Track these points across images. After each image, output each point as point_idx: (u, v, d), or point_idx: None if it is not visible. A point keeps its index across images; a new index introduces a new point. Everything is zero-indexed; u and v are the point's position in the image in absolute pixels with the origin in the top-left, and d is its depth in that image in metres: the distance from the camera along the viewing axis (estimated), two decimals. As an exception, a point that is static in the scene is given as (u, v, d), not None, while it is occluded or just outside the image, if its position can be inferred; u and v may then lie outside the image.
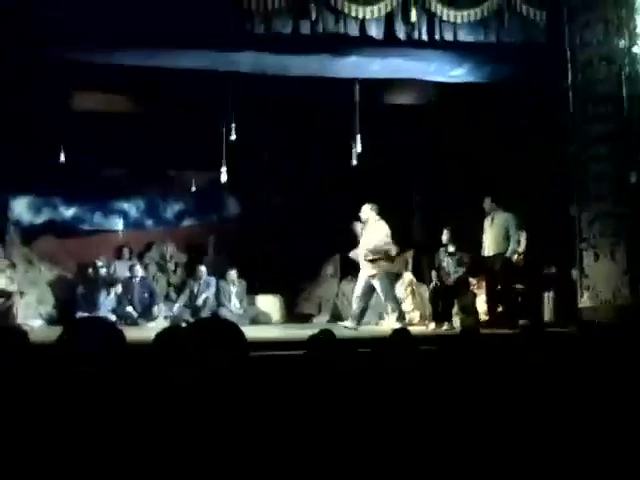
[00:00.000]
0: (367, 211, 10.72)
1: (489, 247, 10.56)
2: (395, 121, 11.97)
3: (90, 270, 12.67)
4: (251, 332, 2.95)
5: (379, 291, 10.53)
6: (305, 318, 13.11)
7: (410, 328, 9.91)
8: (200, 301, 12.29)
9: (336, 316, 13.01)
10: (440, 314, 10.77)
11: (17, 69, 9.82)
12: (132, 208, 13.95)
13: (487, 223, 10.60)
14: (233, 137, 11.22)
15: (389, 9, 9.49)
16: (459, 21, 9.62)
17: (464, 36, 9.69)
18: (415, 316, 11.64)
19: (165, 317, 12.17)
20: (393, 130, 12.12)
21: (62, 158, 11.52)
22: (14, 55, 9.36)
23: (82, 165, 12.15)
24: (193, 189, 13.47)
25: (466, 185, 11.79)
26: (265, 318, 12.69)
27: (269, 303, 13.03)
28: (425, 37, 9.64)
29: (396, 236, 11.53)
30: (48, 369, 2.86)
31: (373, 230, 10.61)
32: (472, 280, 11.06)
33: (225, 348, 2.58)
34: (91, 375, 2.72)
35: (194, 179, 13.40)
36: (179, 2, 8.97)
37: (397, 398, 2.92)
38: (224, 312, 11.96)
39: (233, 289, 12.54)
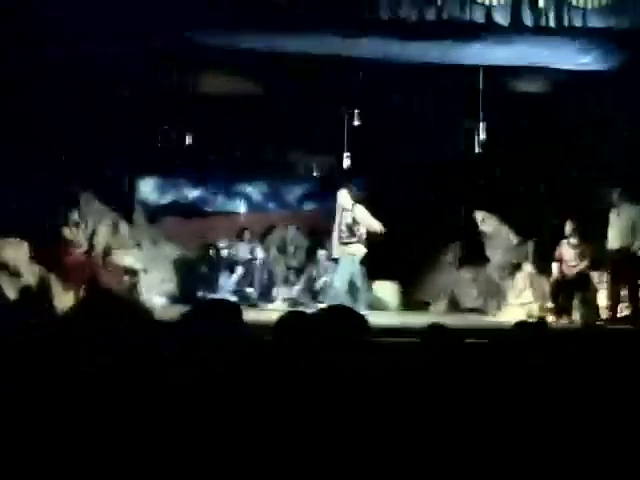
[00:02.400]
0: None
1: (614, 241, 10.27)
2: (519, 109, 11.75)
3: (212, 251, 12.92)
4: (369, 318, 2.95)
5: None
6: (422, 306, 13.04)
7: (528, 320, 9.81)
8: (318, 285, 12.39)
9: (454, 304, 12.92)
10: (560, 307, 10.57)
11: (139, 55, 10.01)
12: (254, 191, 14.14)
13: (613, 216, 10.30)
14: (356, 122, 11.26)
15: (515, -6, 9.33)
16: (589, 6, 9.36)
17: (594, 22, 9.43)
18: (534, 308, 11.45)
19: (284, 300, 12.31)
20: (517, 118, 11.91)
21: (188, 141, 11.72)
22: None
23: (206, 147, 12.36)
24: (315, 173, 13.55)
25: (592, 176, 11.50)
26: (382, 304, 12.70)
27: (387, 289, 13.01)
28: (553, 23, 9.43)
29: (519, 226, 11.39)
30: (170, 347, 2.93)
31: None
32: (594, 274, 10.80)
33: (349, 334, 2.60)
34: (210, 356, 2.78)
35: (317, 163, 13.48)
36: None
37: (520, 394, 2.88)
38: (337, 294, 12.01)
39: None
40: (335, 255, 11.26)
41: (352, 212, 11.00)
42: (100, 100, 10.95)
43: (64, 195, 11.26)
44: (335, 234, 11.06)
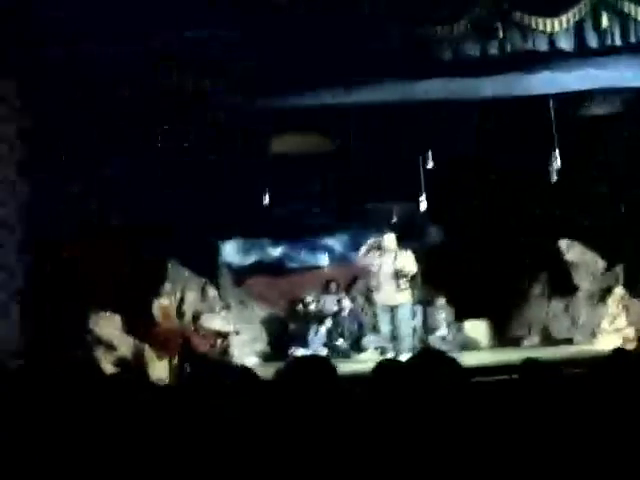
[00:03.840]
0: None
1: None
2: (593, 133, 11.61)
3: (300, 306, 13.00)
4: (462, 359, 2.94)
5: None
6: (515, 341, 12.85)
7: (625, 346, 9.58)
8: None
9: (547, 337, 12.70)
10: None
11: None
12: (336, 243, 14.21)
13: None
14: (430, 165, 11.27)
15: (578, 17, 9.25)
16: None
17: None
18: (630, 333, 11.18)
19: (375, 348, 12.27)
20: (592, 143, 11.76)
21: (266, 200, 11.86)
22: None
23: (286, 205, 12.50)
24: (394, 220, 13.57)
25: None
26: (474, 344, 12.56)
27: (477, 328, 12.88)
28: (619, 42, 9.32)
29: (607, 250, 11.19)
30: (267, 405, 2.95)
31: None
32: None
33: (442, 379, 2.59)
34: (306, 411, 2.79)
35: (394, 209, 13.49)
36: (365, 37, 9.10)
37: (616, 427, 2.82)
38: (433, 340, 11.94)
39: (441, 316, 12.50)
40: (395, 302, 11.00)
41: (399, 257, 10.87)
42: (166, 161, 11.07)
43: (152, 264, 11.46)
44: (392, 280, 10.85)
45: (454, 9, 9.33)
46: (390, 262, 10.73)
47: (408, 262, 10.72)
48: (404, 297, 10.74)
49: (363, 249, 11.13)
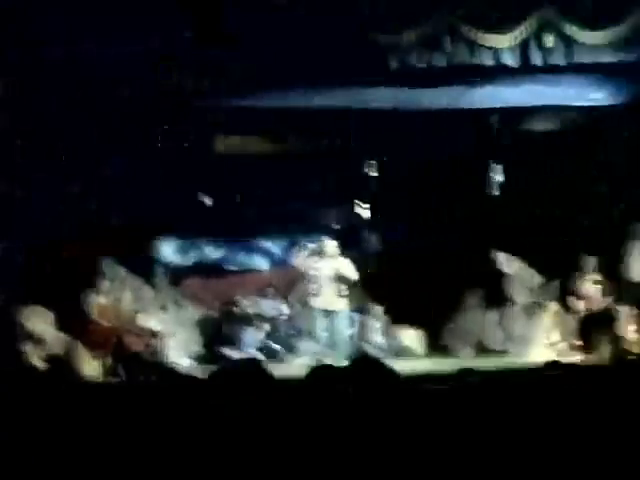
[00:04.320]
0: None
1: (638, 273, 10.20)
2: (534, 148, 11.77)
3: (236, 309, 12.91)
4: (396, 366, 2.93)
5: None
6: (450, 351, 12.94)
7: (559, 359, 9.69)
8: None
9: (481, 348, 12.81)
10: (589, 344, 10.47)
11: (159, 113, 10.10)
12: (275, 247, 14.15)
13: (636, 248, 10.24)
14: (373, 173, 11.31)
15: (524, 36, 9.39)
16: (598, 42, 9.40)
17: (604, 58, 9.47)
18: (563, 347, 11.34)
19: (311, 354, 12.24)
20: (533, 157, 11.92)
21: (207, 201, 11.79)
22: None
23: (225, 206, 12.43)
24: (334, 225, 13.57)
25: (612, 211, 11.46)
26: (409, 352, 12.61)
27: (412, 337, 12.93)
28: (562, 62, 9.48)
29: (539, 265, 11.32)
30: (200, 407, 2.93)
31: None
32: (620, 308, 10.71)
33: (378, 385, 2.59)
34: (241, 413, 2.77)
35: (334, 215, 13.50)
36: (312, 42, 9.12)
37: (549, 436, 2.85)
38: (367, 347, 11.95)
39: (376, 324, 12.53)
40: (333, 307, 11.01)
41: (339, 263, 10.90)
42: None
43: (86, 262, 11.32)
44: (332, 286, 10.87)
45: (403, 20, 9.39)
46: (330, 267, 10.75)
47: (348, 268, 10.76)
48: (342, 303, 10.77)
49: (303, 252, 11.13)
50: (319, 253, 10.93)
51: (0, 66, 9.46)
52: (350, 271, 10.74)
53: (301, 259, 11.05)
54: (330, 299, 10.69)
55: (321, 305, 10.75)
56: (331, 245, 10.88)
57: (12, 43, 9.21)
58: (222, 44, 9.05)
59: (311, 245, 11.26)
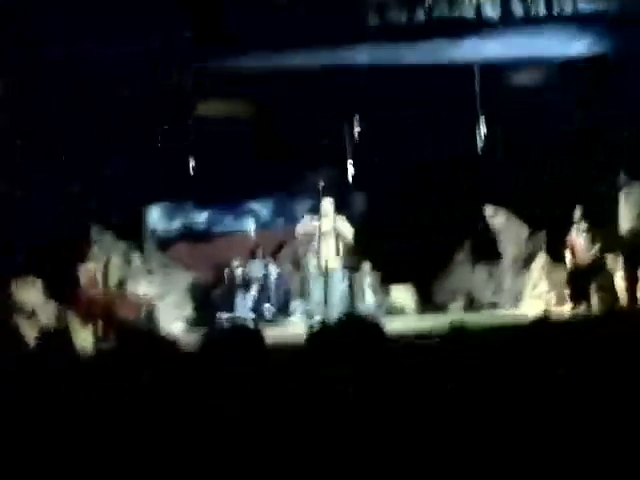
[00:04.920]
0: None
1: (626, 222, 10.23)
2: (519, 101, 11.74)
3: (226, 272, 12.92)
4: (388, 324, 2.94)
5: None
6: (440, 307, 13.01)
7: (548, 309, 9.76)
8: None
9: (471, 302, 12.89)
10: (577, 295, 10.53)
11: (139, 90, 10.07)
12: (262, 209, 14.14)
13: (623, 198, 10.26)
14: (357, 130, 11.27)
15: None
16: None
17: (584, 7, 9.44)
18: (552, 297, 11.41)
19: (302, 313, 12.30)
20: (517, 110, 11.89)
21: (192, 163, 11.75)
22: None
23: (211, 169, 12.38)
24: (322, 185, 13.54)
25: (597, 161, 11.47)
26: (399, 309, 12.68)
27: (403, 294, 12.99)
28: (543, 12, 9.44)
29: (529, 217, 11.37)
30: (195, 371, 2.94)
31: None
32: (608, 257, 10.76)
33: (369, 344, 2.60)
34: (236, 376, 2.78)
35: (323, 176, 13.47)
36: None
37: (540, 390, 2.87)
38: (359, 305, 12.00)
39: (367, 282, 12.57)
40: (331, 266, 10.99)
41: (337, 221, 10.86)
42: (99, 125, 10.99)
43: (73, 228, 11.29)
44: (330, 244, 10.82)
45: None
46: (330, 226, 10.70)
47: (346, 226, 10.73)
48: (339, 262, 10.77)
49: (306, 219, 11.06)
50: (317, 212, 10.88)
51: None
52: (347, 229, 10.70)
53: (301, 224, 10.98)
54: (328, 258, 10.66)
55: (319, 265, 10.70)
56: (329, 203, 10.82)
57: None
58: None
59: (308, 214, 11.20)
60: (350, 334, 2.66)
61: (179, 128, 11.60)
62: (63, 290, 10.54)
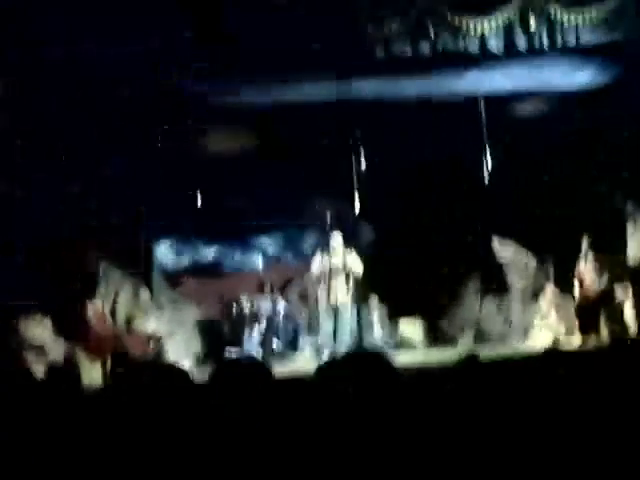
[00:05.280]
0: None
1: (635, 251, 10.20)
2: (524, 132, 11.77)
3: (234, 308, 12.93)
4: (396, 358, 2.94)
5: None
6: (449, 340, 12.96)
7: (557, 341, 9.72)
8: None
9: (480, 335, 12.85)
10: (587, 326, 10.49)
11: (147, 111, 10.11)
12: (271, 245, 14.16)
13: (631, 226, 10.24)
14: (363, 165, 11.30)
15: (507, 20, 9.40)
16: (581, 23, 9.41)
17: (587, 38, 9.49)
18: (561, 329, 11.37)
19: (310, 348, 12.27)
20: (523, 141, 11.92)
21: (199, 201, 11.80)
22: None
23: (219, 205, 12.41)
24: (328, 220, 13.56)
25: (605, 191, 11.47)
26: (408, 343, 12.64)
27: (412, 327, 12.96)
28: (546, 44, 9.50)
29: (534, 249, 11.36)
30: (203, 409, 2.93)
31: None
32: (617, 287, 10.74)
33: (377, 380, 2.59)
34: (243, 414, 2.78)
35: (328, 210, 13.50)
36: (297, 33, 9.13)
37: (550, 425, 2.85)
38: (367, 340, 11.97)
39: (375, 316, 12.55)
40: (343, 303, 10.92)
41: (347, 256, 10.78)
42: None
43: (81, 269, 11.30)
44: (341, 281, 10.72)
45: (388, 8, 9.39)
46: (339, 262, 10.63)
47: (355, 262, 10.67)
48: (349, 298, 10.69)
49: (317, 256, 10.98)
50: (327, 249, 10.82)
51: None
52: (357, 264, 10.64)
53: (314, 262, 10.89)
54: (339, 295, 10.59)
55: (330, 302, 10.63)
56: (337, 238, 10.76)
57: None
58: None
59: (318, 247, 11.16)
60: (360, 368, 2.66)
61: (191, 161, 11.62)
62: (72, 327, 10.54)
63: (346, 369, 2.67)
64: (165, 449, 2.62)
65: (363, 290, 12.60)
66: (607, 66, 10.24)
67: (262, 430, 2.64)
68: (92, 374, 9.86)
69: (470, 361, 3.40)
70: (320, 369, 2.79)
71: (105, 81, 9.83)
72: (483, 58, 9.78)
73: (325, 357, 9.86)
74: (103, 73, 9.68)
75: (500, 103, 11.10)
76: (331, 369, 2.75)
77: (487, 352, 9.93)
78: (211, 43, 9.02)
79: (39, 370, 9.22)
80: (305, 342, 12.49)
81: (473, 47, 9.50)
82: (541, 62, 10.00)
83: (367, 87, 10.14)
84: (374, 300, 12.60)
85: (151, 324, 11.69)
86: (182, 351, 12.08)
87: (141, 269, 12.47)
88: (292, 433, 2.61)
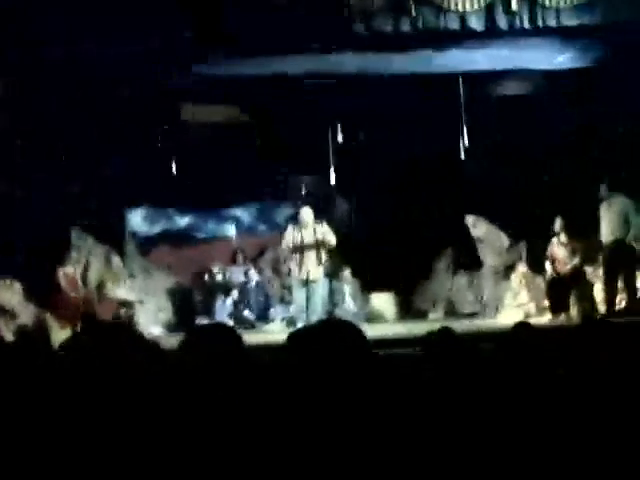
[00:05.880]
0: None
1: (607, 233, 10.27)
2: (502, 111, 11.80)
3: (206, 277, 12.93)
4: (367, 330, 2.94)
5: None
6: (420, 314, 13.05)
7: (527, 319, 9.79)
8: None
9: (451, 310, 12.94)
10: (557, 305, 10.59)
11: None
12: (244, 214, 14.15)
13: (604, 209, 10.30)
14: (340, 139, 11.30)
15: (489, 0, 9.40)
16: (562, 5, 9.42)
17: (568, 20, 9.49)
18: (531, 308, 11.47)
19: (282, 319, 12.31)
20: (500, 120, 11.95)
21: (174, 169, 11.76)
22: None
23: (193, 175, 12.37)
24: (303, 192, 13.57)
25: (578, 172, 11.54)
26: (379, 316, 12.71)
27: (383, 301, 13.03)
28: (527, 25, 9.49)
29: (509, 227, 11.41)
30: (173, 375, 2.93)
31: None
32: (588, 269, 10.83)
33: (348, 349, 2.60)
34: (213, 381, 2.78)
35: (304, 182, 13.50)
36: (280, 8, 9.08)
37: (522, 398, 2.88)
38: (339, 312, 12.02)
39: (347, 289, 12.60)
40: (315, 276, 10.90)
41: (318, 229, 10.78)
42: (88, 126, 11.00)
43: (53, 231, 11.23)
44: (312, 254, 10.71)
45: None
46: (311, 235, 10.63)
47: (329, 234, 10.66)
48: (321, 271, 10.70)
49: (288, 229, 10.97)
50: (297, 222, 10.81)
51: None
52: (330, 237, 10.64)
53: (285, 236, 10.87)
54: (311, 268, 10.59)
55: (302, 275, 10.63)
56: (308, 212, 10.75)
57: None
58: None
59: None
60: (330, 338, 2.66)
61: (166, 130, 11.60)
62: (42, 292, 10.50)
63: (317, 336, 2.67)
64: (133, 415, 2.62)
65: (336, 263, 12.64)
66: (589, 48, 10.26)
67: (232, 397, 2.64)
68: (62, 339, 9.82)
69: (444, 334, 3.42)
70: (291, 336, 2.79)
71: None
72: (464, 36, 9.75)
73: (296, 328, 9.88)
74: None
75: (480, 82, 11.12)
76: (302, 336, 2.75)
77: (457, 327, 10.00)
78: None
79: (8, 334, 9.22)
80: (277, 313, 12.53)
81: (454, 25, 9.47)
82: (523, 42, 9.99)
83: (347, 61, 10.09)
84: (346, 273, 12.64)
85: (122, 291, 11.66)
86: (153, 318, 12.09)
87: (113, 236, 12.43)
88: (262, 401, 2.61)
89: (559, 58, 10.41)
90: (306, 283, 10.61)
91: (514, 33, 9.65)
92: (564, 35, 9.83)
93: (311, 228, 10.64)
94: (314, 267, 10.60)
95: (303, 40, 9.38)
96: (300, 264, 10.61)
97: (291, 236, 10.70)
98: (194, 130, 11.95)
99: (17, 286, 10.20)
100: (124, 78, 9.90)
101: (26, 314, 10.07)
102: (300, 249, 10.58)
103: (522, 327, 3.68)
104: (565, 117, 11.53)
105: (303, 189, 13.51)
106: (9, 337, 9.11)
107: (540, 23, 9.47)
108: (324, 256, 10.67)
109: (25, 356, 3.74)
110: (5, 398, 2.95)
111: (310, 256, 10.56)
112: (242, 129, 12.19)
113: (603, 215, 10.31)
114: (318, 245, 10.57)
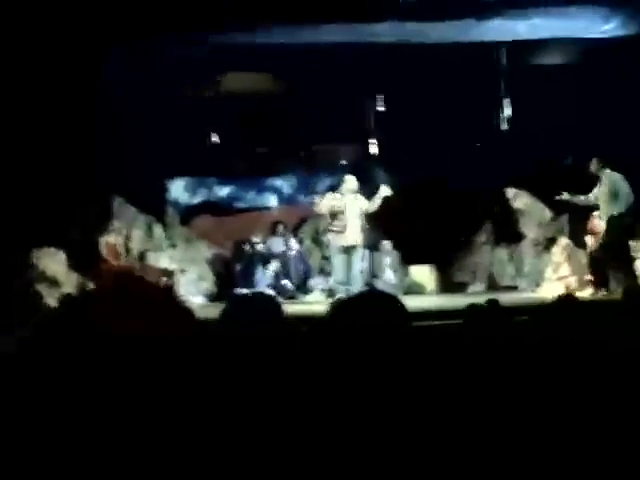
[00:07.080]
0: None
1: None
2: (543, 84, 11.65)
3: (247, 247, 12.97)
4: (407, 302, 2.94)
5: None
6: (460, 287, 13.01)
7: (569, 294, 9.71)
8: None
9: (491, 283, 12.88)
10: (598, 279, 10.49)
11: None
12: (285, 185, 14.17)
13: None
14: (381, 108, 11.23)
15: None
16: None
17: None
18: (572, 281, 11.36)
19: (322, 290, 12.32)
20: (542, 93, 11.80)
21: (214, 139, 11.79)
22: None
23: (234, 145, 12.41)
24: (344, 162, 13.55)
25: (621, 145, 11.37)
26: (419, 288, 12.68)
27: (423, 273, 12.99)
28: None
29: (551, 201, 11.32)
30: (214, 345, 2.95)
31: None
32: (631, 243, 10.70)
33: (388, 321, 2.60)
34: (254, 349, 2.79)
35: (345, 153, 13.48)
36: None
37: (559, 372, 2.85)
38: (378, 284, 12.01)
39: (387, 260, 12.58)
40: (354, 244, 10.83)
41: (359, 198, 10.72)
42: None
43: (97, 200, 11.33)
44: (352, 223, 10.65)
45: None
46: (352, 204, 10.59)
47: (370, 205, 10.62)
48: (361, 239, 10.68)
49: (325, 195, 10.93)
50: (341, 189, 10.77)
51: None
52: (369, 207, 10.59)
53: (324, 200, 10.82)
54: (353, 235, 10.56)
55: (344, 242, 10.60)
56: (352, 180, 10.70)
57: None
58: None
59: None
60: (371, 309, 2.66)
61: (206, 99, 11.62)
62: (85, 261, 10.60)
63: (358, 308, 2.67)
64: (176, 385, 2.64)
65: (376, 234, 12.62)
66: (633, 16, 10.09)
67: (273, 364, 2.66)
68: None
69: (492, 305, 3.41)
70: (332, 307, 2.80)
71: None
72: (507, 5, 9.64)
73: (336, 299, 9.89)
74: None
75: (522, 51, 10.99)
76: (343, 308, 2.76)
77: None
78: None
79: (52, 302, 9.35)
80: (316, 284, 12.55)
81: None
82: (566, 11, 9.85)
83: (387, 31, 10.02)
84: (387, 245, 12.62)
85: (164, 260, 11.75)
86: (193, 289, 12.16)
87: (154, 206, 12.51)
88: (302, 369, 2.62)
89: (604, 27, 10.24)
90: (346, 253, 10.60)
91: (558, 1, 9.52)
92: (610, 2, 9.67)
93: (352, 196, 10.62)
94: (355, 237, 10.58)
95: (342, 8, 9.34)
96: (341, 234, 10.58)
97: (331, 202, 10.66)
98: (234, 100, 11.95)
99: (61, 254, 10.31)
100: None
101: (70, 283, 10.18)
102: (341, 217, 10.55)
103: (567, 300, 3.66)
104: (612, 89, 11.35)
105: (343, 161, 13.49)
106: (52, 304, 9.24)
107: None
108: (365, 227, 10.65)
109: (69, 324, 3.79)
110: (49, 365, 3.00)
111: (352, 226, 10.53)
112: (281, 99, 12.18)
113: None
114: (358, 214, 10.55)
